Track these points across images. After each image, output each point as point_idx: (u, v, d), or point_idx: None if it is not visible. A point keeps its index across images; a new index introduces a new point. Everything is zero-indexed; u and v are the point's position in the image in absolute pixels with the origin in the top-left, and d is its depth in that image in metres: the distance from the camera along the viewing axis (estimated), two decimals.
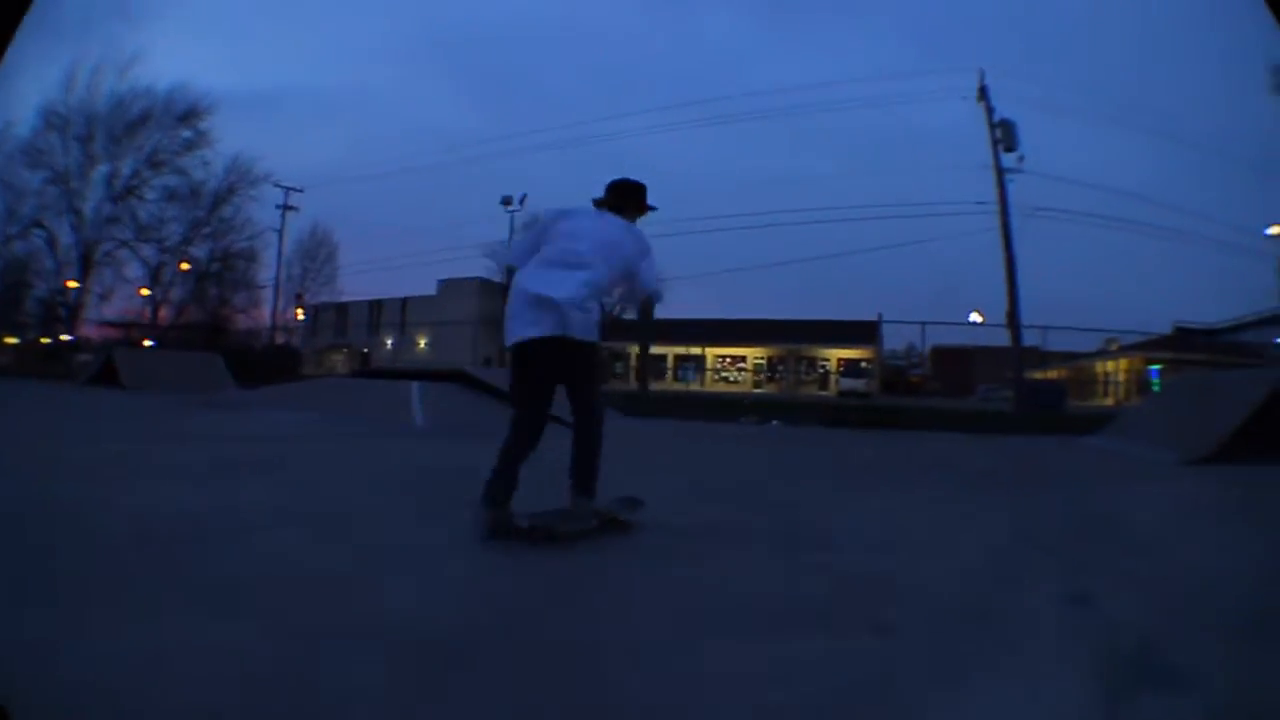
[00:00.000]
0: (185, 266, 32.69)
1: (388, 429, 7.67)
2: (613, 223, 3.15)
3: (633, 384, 38.34)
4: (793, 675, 1.63)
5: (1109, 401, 34.38)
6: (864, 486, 5.15)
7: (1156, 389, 24.01)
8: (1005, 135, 22.62)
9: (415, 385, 9.18)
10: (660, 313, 45.28)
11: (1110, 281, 58.13)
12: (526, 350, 2.89)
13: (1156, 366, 33.29)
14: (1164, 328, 36.44)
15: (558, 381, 2.95)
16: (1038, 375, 34.64)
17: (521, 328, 2.88)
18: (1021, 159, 22.44)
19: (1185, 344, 33.14)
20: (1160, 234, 39.29)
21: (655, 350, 44.91)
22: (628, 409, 12.28)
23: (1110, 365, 39.16)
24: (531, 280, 2.94)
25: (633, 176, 3.35)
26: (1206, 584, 2.48)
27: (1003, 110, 22.95)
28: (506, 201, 37.07)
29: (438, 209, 75.62)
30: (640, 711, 1.46)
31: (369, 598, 2.12)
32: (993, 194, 22.38)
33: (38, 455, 4.95)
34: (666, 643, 1.83)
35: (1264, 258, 27.76)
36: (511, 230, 36.39)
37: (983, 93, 23.21)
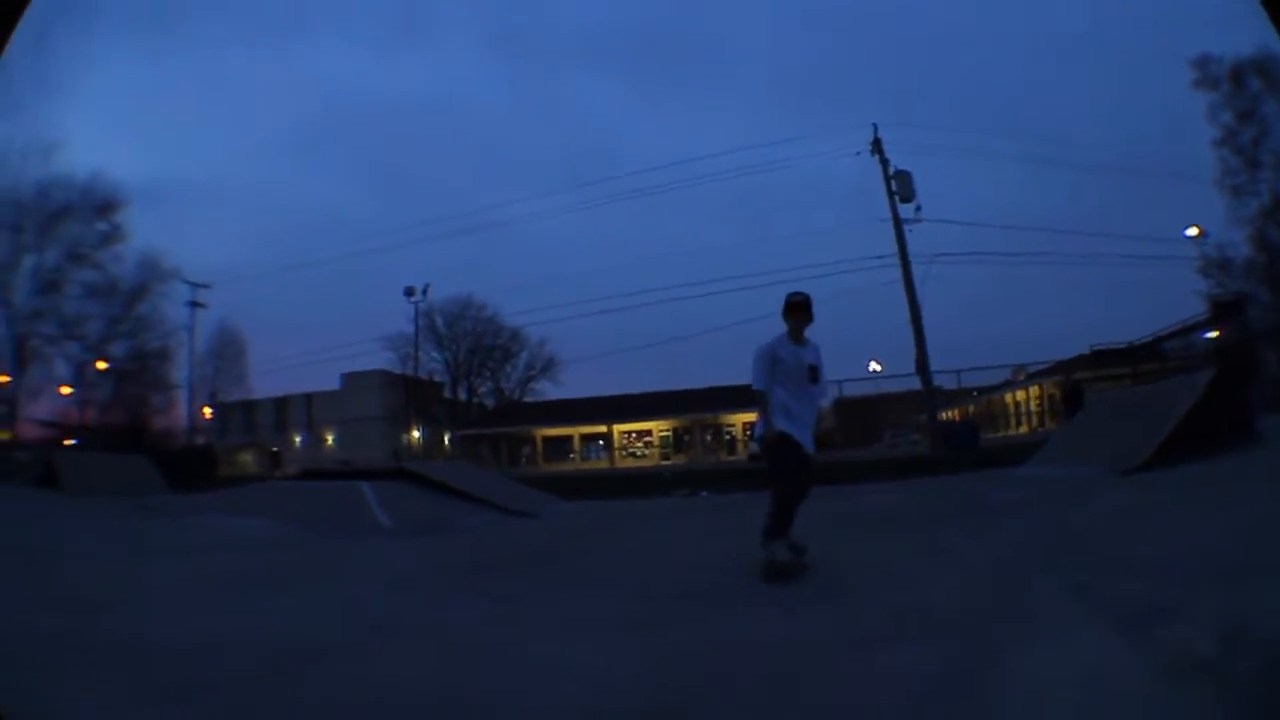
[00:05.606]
0: (102, 365, 31.76)
1: (351, 531, 7.60)
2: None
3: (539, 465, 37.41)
4: None
5: (1024, 430, 34.62)
6: (883, 533, 5.85)
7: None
8: (902, 186, 22.42)
9: (367, 485, 9.02)
10: (560, 393, 46.23)
11: (1023, 314, 60.42)
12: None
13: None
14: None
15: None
16: (944, 416, 34.73)
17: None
18: (919, 209, 22.34)
19: (1100, 363, 30.75)
20: (1070, 260, 39.74)
21: (558, 432, 43.91)
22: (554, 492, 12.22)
23: (1020, 394, 38.99)
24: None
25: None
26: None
27: (895, 161, 22.84)
28: (410, 292, 38.75)
29: (339, 302, 73.55)
30: None
31: None
32: (891, 246, 22.31)
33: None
34: None
35: (1183, 263, 27.02)
36: (416, 317, 39.22)
37: (877, 146, 23.07)
